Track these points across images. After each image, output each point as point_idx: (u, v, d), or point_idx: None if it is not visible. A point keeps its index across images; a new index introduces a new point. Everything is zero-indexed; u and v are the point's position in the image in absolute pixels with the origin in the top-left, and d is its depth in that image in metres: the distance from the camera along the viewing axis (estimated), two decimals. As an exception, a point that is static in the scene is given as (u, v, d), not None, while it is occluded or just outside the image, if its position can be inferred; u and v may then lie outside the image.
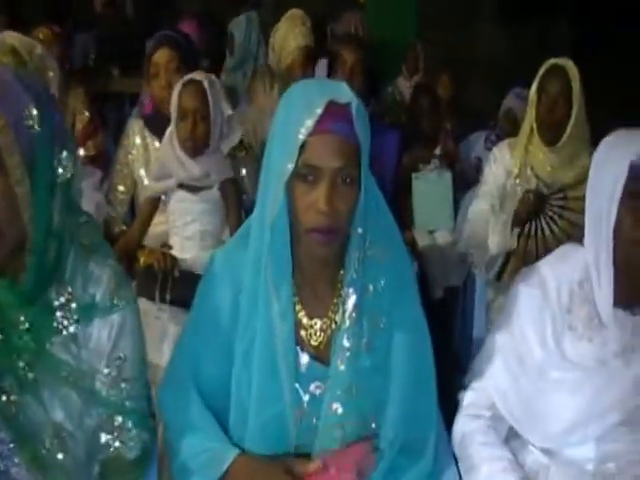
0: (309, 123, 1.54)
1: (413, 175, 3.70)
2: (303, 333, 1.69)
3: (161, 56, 3.00)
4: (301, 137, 1.54)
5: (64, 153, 1.51)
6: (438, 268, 3.45)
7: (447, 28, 7.06)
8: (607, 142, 1.78)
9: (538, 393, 1.75)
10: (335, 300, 1.68)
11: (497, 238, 2.96)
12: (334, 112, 1.56)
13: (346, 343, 1.64)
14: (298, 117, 1.56)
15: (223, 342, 1.70)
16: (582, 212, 1.81)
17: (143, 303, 2.63)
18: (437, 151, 3.89)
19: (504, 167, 3.10)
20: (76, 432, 1.59)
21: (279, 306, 1.64)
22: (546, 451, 1.76)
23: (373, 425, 1.67)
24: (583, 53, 8.47)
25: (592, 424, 1.70)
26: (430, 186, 3.65)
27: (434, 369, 1.73)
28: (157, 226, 2.86)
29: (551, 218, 2.95)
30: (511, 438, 1.82)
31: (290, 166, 1.56)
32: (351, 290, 1.64)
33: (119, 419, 1.63)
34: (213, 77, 2.88)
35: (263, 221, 1.63)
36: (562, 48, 8.72)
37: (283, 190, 1.58)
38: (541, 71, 3.05)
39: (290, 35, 3.72)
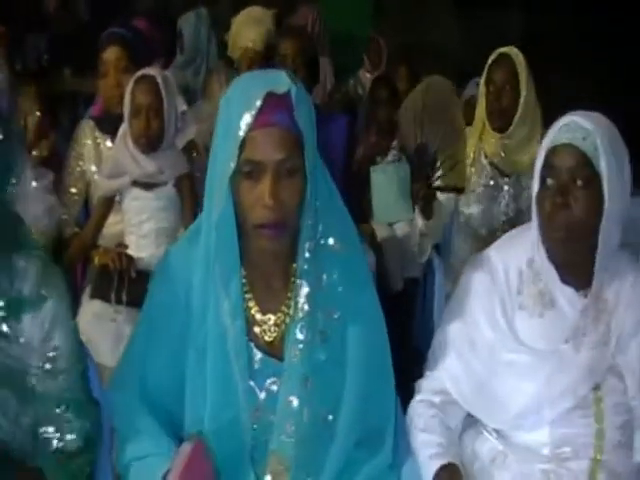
0: (248, 118, 1.53)
1: (371, 168, 3.67)
2: (257, 329, 1.68)
3: (110, 54, 2.98)
4: (241, 134, 1.54)
5: None
6: (397, 260, 3.44)
7: (403, 19, 7.08)
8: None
9: (491, 376, 1.76)
10: (289, 294, 1.67)
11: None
12: (273, 103, 1.54)
13: (299, 336, 1.63)
14: (237, 112, 1.55)
15: (174, 343, 1.67)
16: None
17: (98, 305, 2.61)
18: (395, 143, 3.87)
19: (458, 156, 3.12)
20: (13, 431, 1.56)
21: (229, 303, 1.62)
22: (502, 437, 1.77)
23: (330, 418, 1.66)
24: (538, 41, 8.58)
25: (545, 409, 1.71)
26: (388, 178, 3.62)
27: (391, 360, 1.73)
28: (113, 226, 2.83)
29: (507, 205, 2.95)
30: (468, 426, 1.83)
31: (232, 163, 1.55)
32: (303, 282, 1.63)
33: (58, 411, 1.61)
34: (167, 73, 2.86)
35: (210, 219, 1.62)
36: (519, 36, 8.81)
37: (227, 188, 1.57)
38: (489, 61, 3.07)
39: (240, 33, 3.69)
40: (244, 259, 1.65)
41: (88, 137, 3.04)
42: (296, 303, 1.64)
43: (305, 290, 1.64)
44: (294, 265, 1.66)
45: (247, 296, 1.67)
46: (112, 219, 2.81)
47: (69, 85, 5.24)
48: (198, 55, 5.02)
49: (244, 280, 1.67)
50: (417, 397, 1.84)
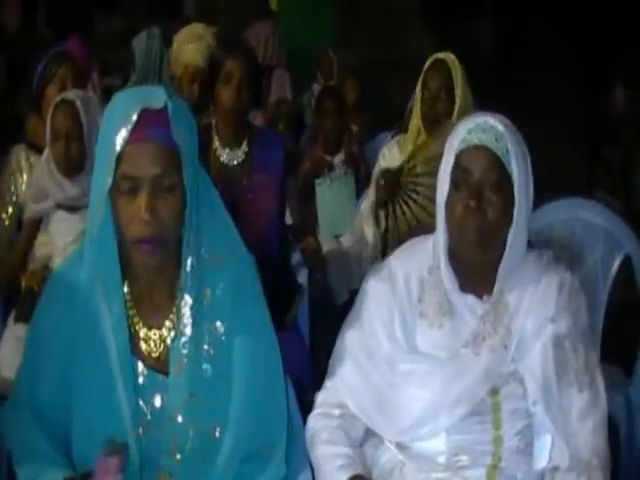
0: (124, 133, 1.54)
1: (316, 181, 3.68)
2: (143, 345, 1.67)
3: None
4: (117, 149, 1.54)
5: None
6: (343, 272, 3.42)
7: (367, 31, 7.09)
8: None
9: (389, 388, 1.72)
10: (173, 309, 1.66)
11: (371, 227, 3.01)
12: (149, 119, 1.55)
13: (184, 351, 1.63)
14: (114, 128, 1.55)
15: (61, 363, 1.66)
16: (431, 187, 1.84)
17: (21, 329, 2.58)
18: (341, 155, 3.87)
19: (393, 165, 3.10)
20: None
21: (111, 320, 1.62)
22: (400, 447, 1.73)
23: (217, 434, 1.64)
24: (505, 51, 8.61)
25: (442, 416, 1.67)
26: (333, 191, 3.64)
27: (282, 372, 1.71)
28: (42, 247, 2.81)
29: (409, 197, 2.92)
30: (370, 436, 1.79)
31: (109, 179, 1.55)
32: (187, 296, 1.63)
33: None
34: (90, 94, 2.86)
35: (91, 235, 1.62)
36: (484, 47, 8.84)
37: (104, 204, 1.58)
38: (425, 67, 3.06)
39: (181, 50, 3.69)
40: (127, 274, 1.64)
41: (21, 160, 3.03)
42: (180, 318, 1.64)
43: (189, 304, 1.63)
44: (178, 280, 1.64)
45: (131, 312, 1.66)
46: (40, 239, 2.80)
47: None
48: (150, 74, 5.00)
49: (128, 296, 1.66)
50: (316, 410, 1.80)
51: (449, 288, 1.74)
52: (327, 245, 3.50)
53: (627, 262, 2.95)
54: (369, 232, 3.08)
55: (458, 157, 1.69)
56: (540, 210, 3.06)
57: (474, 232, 1.67)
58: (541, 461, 1.70)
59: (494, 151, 1.66)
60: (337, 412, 1.77)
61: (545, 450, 1.70)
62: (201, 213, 1.62)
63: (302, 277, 2.99)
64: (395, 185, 2.96)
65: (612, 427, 2.77)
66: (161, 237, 1.57)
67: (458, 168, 1.69)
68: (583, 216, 3.05)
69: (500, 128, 1.67)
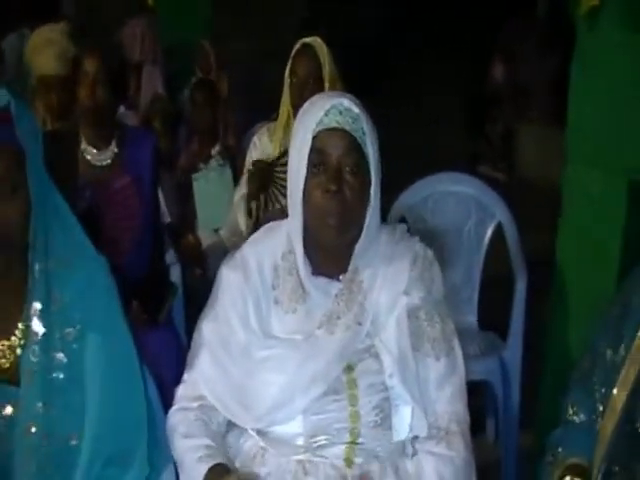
0: None
1: (193, 175, 3.63)
2: None
3: None
4: None
5: None
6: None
7: (246, 22, 7.03)
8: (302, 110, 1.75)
9: (246, 377, 1.70)
10: (22, 316, 1.60)
11: (243, 217, 3.00)
12: None
13: (34, 359, 1.58)
14: None
15: None
16: None
17: None
18: (217, 147, 3.83)
19: (263, 153, 3.09)
20: None
21: None
22: (261, 433, 1.72)
23: (74, 442, 1.59)
24: (389, 36, 8.73)
25: (297, 398, 1.66)
26: (210, 184, 3.60)
27: (139, 371, 1.68)
28: None
29: (282, 186, 2.92)
30: (233, 426, 1.77)
31: None
32: (35, 303, 1.58)
33: None
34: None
35: None
36: (370, 32, 8.93)
37: None
38: (292, 52, 3.04)
39: (32, 61, 3.55)
40: None
41: None
42: (28, 326, 1.58)
43: (37, 311, 1.58)
44: (26, 286, 1.59)
45: None
46: None
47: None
48: (20, 76, 4.86)
49: None
50: (175, 406, 1.76)
51: (302, 273, 1.73)
52: (207, 239, 3.46)
53: (500, 231, 3.03)
54: (242, 223, 3.06)
55: (315, 140, 1.66)
56: (415, 185, 3.12)
57: (335, 216, 1.65)
58: (401, 433, 1.70)
59: (351, 133, 1.65)
60: (195, 405, 1.74)
61: (404, 422, 1.70)
62: (47, 217, 1.58)
63: (175, 274, 2.94)
64: (267, 176, 2.95)
65: (489, 389, 2.89)
66: (5, 240, 1.53)
67: (315, 151, 1.65)
68: (456, 189, 3.12)
69: (356, 110, 1.65)
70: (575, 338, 2.50)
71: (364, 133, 1.65)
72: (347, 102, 1.66)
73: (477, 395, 2.93)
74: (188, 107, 4.47)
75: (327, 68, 2.97)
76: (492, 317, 3.05)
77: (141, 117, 4.53)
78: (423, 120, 6.37)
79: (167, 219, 3.37)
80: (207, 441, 1.68)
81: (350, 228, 1.68)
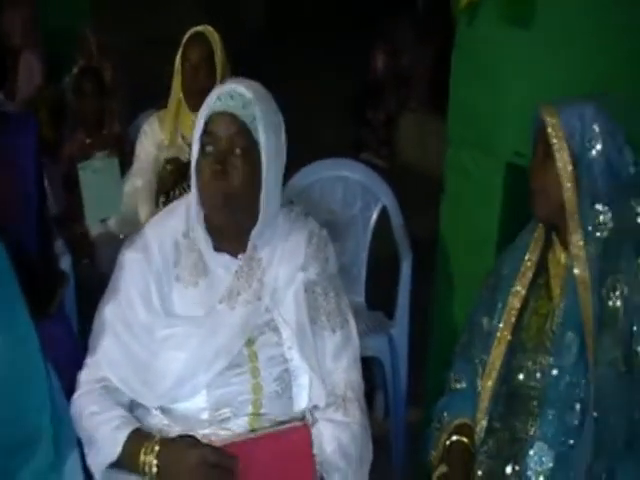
0: None
1: (78, 165, 3.56)
2: None
3: None
4: None
5: None
6: (114, 255, 3.37)
7: (130, 10, 6.96)
8: None
9: (150, 356, 1.74)
10: None
11: (146, 207, 3.02)
12: None
13: None
14: None
15: None
16: None
17: None
18: (103, 136, 3.78)
19: (154, 141, 3.11)
20: None
21: None
22: (165, 411, 1.76)
23: None
24: (274, 25, 8.78)
25: (200, 374, 1.71)
26: (97, 175, 3.52)
27: (41, 356, 1.65)
28: None
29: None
30: (137, 406, 1.79)
31: None
32: None
33: None
34: None
35: None
36: (256, 21, 8.96)
37: None
38: (184, 40, 3.06)
39: None
40: None
41: None
42: None
43: None
44: None
45: None
46: None
47: None
48: None
49: None
50: (79, 391, 1.78)
51: (204, 249, 1.78)
52: (95, 230, 3.42)
53: (385, 214, 3.15)
54: (143, 212, 3.05)
55: (207, 123, 1.71)
56: (303, 171, 3.20)
57: (220, 196, 1.70)
58: (301, 402, 1.78)
59: (241, 118, 1.69)
60: (98, 386, 1.76)
61: (304, 391, 1.78)
62: None
63: (65, 264, 2.90)
64: (181, 175, 2.97)
65: (378, 365, 3.00)
66: None
67: (206, 133, 1.71)
68: (343, 174, 3.22)
69: (248, 95, 1.69)
70: (458, 315, 2.61)
71: (255, 118, 1.69)
72: (241, 87, 1.70)
73: (367, 372, 3.05)
74: (70, 96, 4.39)
75: (219, 54, 3.02)
76: (380, 297, 3.16)
77: (20, 104, 4.40)
78: (309, 108, 6.47)
79: (53, 209, 3.32)
80: (120, 411, 1.71)
81: (237, 210, 1.72)
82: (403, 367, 2.95)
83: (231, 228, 1.78)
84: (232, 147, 1.69)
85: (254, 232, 1.75)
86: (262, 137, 1.70)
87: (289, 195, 3.12)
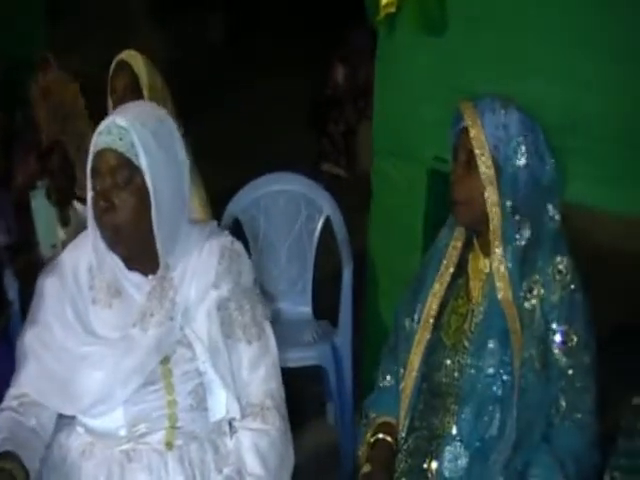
0: None
1: (30, 193, 3.61)
2: None
3: None
4: None
5: None
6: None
7: (91, 33, 6.97)
8: None
9: (68, 372, 1.79)
10: None
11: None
12: None
13: None
14: None
15: None
16: None
17: None
18: (55, 162, 3.81)
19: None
20: None
21: None
22: (87, 429, 1.82)
23: None
24: (237, 39, 8.83)
25: (117, 392, 1.77)
26: (49, 201, 3.58)
27: None
28: None
29: None
30: (63, 426, 1.85)
31: None
32: None
33: None
34: None
35: None
36: (218, 38, 9.01)
37: None
38: (110, 71, 3.09)
39: None
40: None
41: None
42: None
43: None
44: None
45: None
46: None
47: None
48: None
49: None
50: None
51: (116, 269, 1.83)
52: (47, 254, 3.46)
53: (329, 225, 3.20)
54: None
55: (92, 160, 1.76)
56: (245, 188, 3.25)
57: (109, 230, 1.76)
58: (216, 413, 1.84)
59: (119, 150, 1.71)
60: (15, 403, 1.82)
61: (220, 403, 1.83)
62: None
63: (12, 291, 2.93)
64: None
65: (323, 373, 3.04)
66: None
67: (91, 172, 1.76)
68: (286, 187, 3.27)
69: (125, 125, 1.71)
70: (388, 318, 2.65)
71: (133, 146, 1.71)
72: (119, 119, 1.73)
73: (317, 381, 3.10)
74: (22, 125, 4.42)
75: (144, 78, 3.03)
76: (326, 306, 3.21)
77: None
78: (269, 120, 6.56)
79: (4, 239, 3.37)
80: (5, 434, 1.73)
81: (128, 240, 1.77)
82: (348, 374, 2.99)
83: (138, 250, 1.81)
84: (114, 181, 1.73)
85: (159, 252, 1.79)
86: (143, 162, 1.71)
87: (233, 213, 3.20)
